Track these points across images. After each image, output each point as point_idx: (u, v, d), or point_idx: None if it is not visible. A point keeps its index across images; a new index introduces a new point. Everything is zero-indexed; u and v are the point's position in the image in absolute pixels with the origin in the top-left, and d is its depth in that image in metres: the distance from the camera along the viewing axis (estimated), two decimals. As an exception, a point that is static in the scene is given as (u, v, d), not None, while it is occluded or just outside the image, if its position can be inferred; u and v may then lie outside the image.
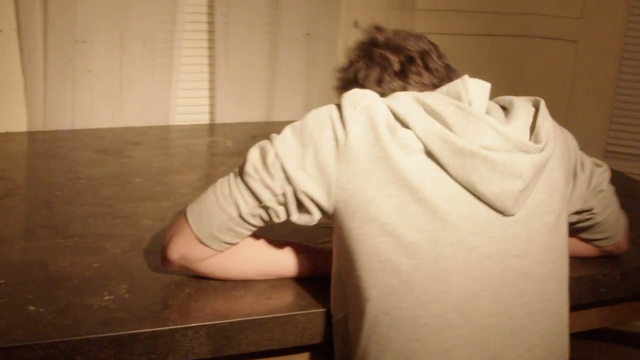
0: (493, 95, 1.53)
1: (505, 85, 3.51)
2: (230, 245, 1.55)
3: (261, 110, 3.24)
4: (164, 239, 1.59)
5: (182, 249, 1.54)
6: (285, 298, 1.64)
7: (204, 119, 3.23)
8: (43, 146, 2.72)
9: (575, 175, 1.61)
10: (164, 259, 1.58)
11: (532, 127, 1.46)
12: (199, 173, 2.44)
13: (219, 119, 3.17)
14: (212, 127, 3.15)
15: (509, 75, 3.75)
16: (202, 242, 1.53)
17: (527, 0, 3.72)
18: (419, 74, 1.58)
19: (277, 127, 3.07)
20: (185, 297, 1.61)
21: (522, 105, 1.50)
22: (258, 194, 1.47)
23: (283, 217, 1.51)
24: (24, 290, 1.58)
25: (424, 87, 1.57)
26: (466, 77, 1.49)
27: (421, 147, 1.39)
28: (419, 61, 1.60)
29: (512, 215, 1.41)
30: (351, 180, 1.40)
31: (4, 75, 2.88)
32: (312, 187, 1.44)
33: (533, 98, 1.55)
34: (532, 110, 1.50)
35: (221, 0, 3.07)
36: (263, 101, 3.24)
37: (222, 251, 1.56)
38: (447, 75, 1.61)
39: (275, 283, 1.69)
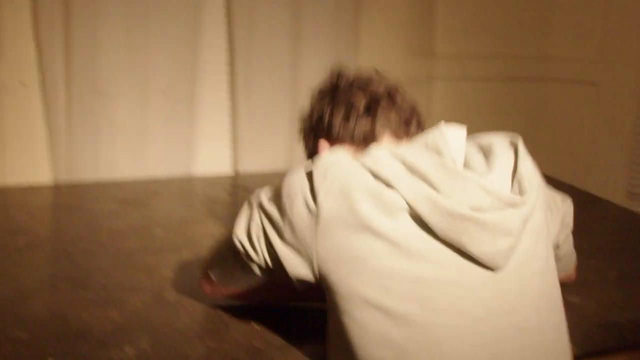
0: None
1: (525, 129, 3.50)
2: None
3: (284, 159, 3.26)
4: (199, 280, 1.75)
5: (217, 292, 1.72)
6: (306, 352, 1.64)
7: (226, 168, 3.24)
8: (65, 198, 2.74)
9: (551, 212, 1.58)
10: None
11: (514, 172, 1.41)
12: (220, 223, 2.45)
13: (241, 168, 3.19)
14: (234, 177, 3.16)
15: (529, 120, 3.74)
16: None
17: (546, 43, 3.72)
18: (386, 110, 1.56)
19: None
20: (207, 350, 1.61)
21: (502, 149, 1.43)
22: (250, 266, 1.51)
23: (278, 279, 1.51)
24: (46, 344, 1.59)
25: (391, 124, 1.55)
26: (443, 126, 1.42)
27: (406, 208, 1.31)
28: (385, 99, 1.59)
29: (502, 270, 1.35)
30: (330, 254, 1.34)
31: (28, 129, 2.91)
32: (296, 265, 1.39)
33: (510, 135, 1.51)
34: (512, 152, 1.44)
35: (241, 50, 3.10)
36: (285, 150, 3.25)
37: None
38: (413, 114, 1.60)
39: (299, 338, 1.68)
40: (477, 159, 1.43)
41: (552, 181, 2.49)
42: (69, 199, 2.72)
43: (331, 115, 1.59)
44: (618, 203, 2.92)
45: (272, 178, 3.05)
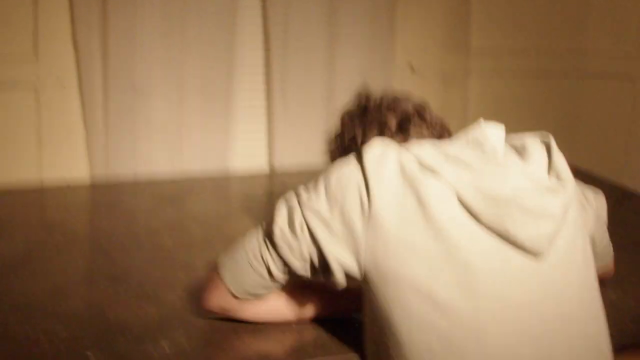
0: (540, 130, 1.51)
1: (561, 124, 3.49)
2: (265, 295, 1.59)
3: (319, 156, 3.25)
4: (201, 291, 1.63)
5: (221, 302, 1.59)
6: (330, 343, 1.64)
7: (262, 165, 3.26)
8: (103, 196, 2.77)
9: (584, 208, 1.59)
10: (204, 308, 1.62)
11: (549, 166, 1.44)
12: (257, 220, 2.46)
13: (277, 165, 3.20)
14: (270, 173, 3.17)
15: (565, 115, 3.71)
16: (237, 297, 1.56)
17: (582, 37, 3.69)
18: (418, 126, 1.59)
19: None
20: (242, 344, 1.62)
21: (535, 145, 1.47)
22: (286, 259, 1.49)
23: (312, 276, 1.51)
24: (84, 339, 1.60)
25: (425, 139, 1.58)
26: (482, 121, 1.48)
27: (452, 194, 1.36)
28: (415, 116, 1.61)
29: (545, 259, 1.38)
30: (380, 242, 1.37)
31: (66, 127, 2.94)
32: (342, 254, 1.41)
33: (540, 133, 1.52)
34: (545, 150, 1.47)
35: (277, 49, 3.11)
36: (321, 147, 3.25)
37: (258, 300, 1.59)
38: (444, 130, 1.63)
39: (325, 326, 1.69)
40: (512, 153, 1.47)
41: (588, 176, 2.48)
42: (107, 196, 2.74)
43: (364, 135, 1.62)
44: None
45: (307, 175, 3.07)
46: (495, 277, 1.35)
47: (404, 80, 3.33)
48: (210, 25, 3.01)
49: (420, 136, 1.58)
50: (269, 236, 1.49)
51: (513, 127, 3.36)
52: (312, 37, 3.16)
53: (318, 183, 1.47)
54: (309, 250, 1.45)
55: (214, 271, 1.59)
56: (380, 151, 1.42)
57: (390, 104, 1.65)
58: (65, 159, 2.96)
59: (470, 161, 1.39)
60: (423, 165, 1.39)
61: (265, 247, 1.50)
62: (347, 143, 1.66)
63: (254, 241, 1.52)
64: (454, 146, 1.44)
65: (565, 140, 1.52)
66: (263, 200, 2.80)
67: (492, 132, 1.46)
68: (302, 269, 1.49)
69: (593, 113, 3.75)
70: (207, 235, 2.31)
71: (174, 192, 2.77)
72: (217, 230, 2.36)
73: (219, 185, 2.95)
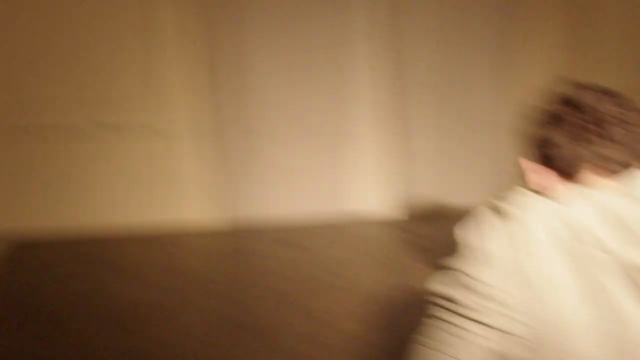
0: None
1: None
2: None
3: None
4: None
5: None
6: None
7: (381, 208, 3.19)
8: (227, 242, 2.83)
9: None
10: None
11: None
12: (378, 265, 2.44)
13: (407, 208, 3.16)
14: (397, 219, 3.13)
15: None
16: None
17: None
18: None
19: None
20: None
21: None
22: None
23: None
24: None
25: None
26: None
27: (620, 274, 1.28)
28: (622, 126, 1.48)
29: None
30: (543, 317, 1.30)
31: (180, 170, 2.98)
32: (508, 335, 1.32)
33: None
34: None
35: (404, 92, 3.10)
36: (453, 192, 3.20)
37: None
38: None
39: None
40: None
41: None
42: (231, 242, 2.78)
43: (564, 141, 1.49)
44: None
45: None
46: None
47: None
48: (323, 65, 3.01)
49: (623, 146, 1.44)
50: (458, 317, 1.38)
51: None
52: (432, 78, 3.09)
53: (475, 254, 1.37)
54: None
55: None
56: (539, 225, 1.25)
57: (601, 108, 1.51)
58: (177, 199, 3.00)
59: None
60: (594, 239, 1.22)
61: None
62: (548, 136, 1.53)
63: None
64: (622, 203, 1.25)
65: None
66: (381, 243, 2.76)
67: None
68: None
69: None
70: (328, 281, 2.31)
71: (292, 236, 2.78)
72: (338, 275, 2.35)
73: (340, 227, 2.95)
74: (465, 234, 1.33)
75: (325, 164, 3.11)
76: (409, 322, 1.45)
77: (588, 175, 1.29)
